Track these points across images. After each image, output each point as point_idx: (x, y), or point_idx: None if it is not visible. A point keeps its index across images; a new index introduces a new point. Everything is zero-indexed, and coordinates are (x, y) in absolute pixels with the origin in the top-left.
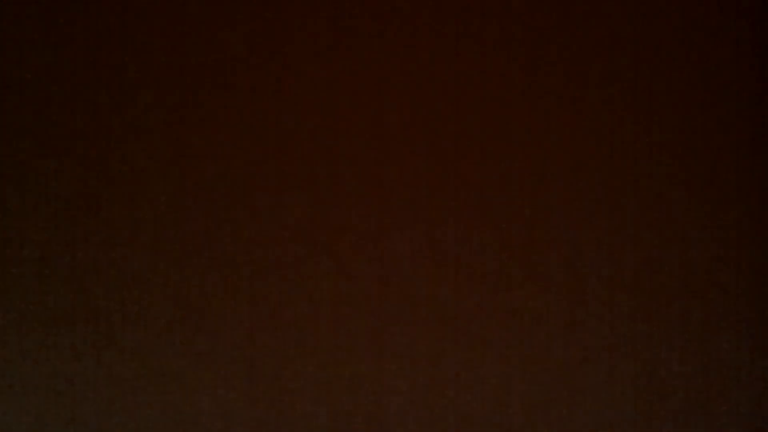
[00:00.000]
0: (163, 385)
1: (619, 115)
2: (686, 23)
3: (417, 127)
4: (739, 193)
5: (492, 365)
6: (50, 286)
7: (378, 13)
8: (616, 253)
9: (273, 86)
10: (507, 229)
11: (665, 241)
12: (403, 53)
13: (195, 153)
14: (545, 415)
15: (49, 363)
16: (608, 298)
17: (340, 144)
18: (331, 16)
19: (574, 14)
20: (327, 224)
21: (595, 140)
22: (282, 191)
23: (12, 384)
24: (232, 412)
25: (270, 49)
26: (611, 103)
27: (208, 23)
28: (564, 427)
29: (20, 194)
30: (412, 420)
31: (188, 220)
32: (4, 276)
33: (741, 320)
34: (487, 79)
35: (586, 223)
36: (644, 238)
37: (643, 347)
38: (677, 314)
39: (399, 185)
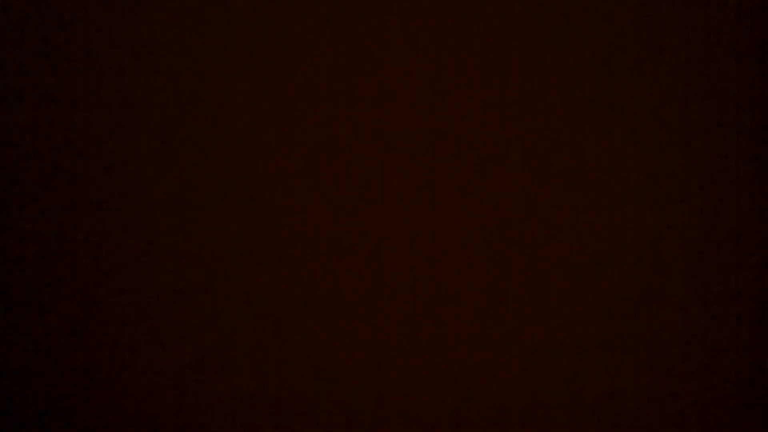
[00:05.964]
0: (163, 383)
1: (619, 116)
2: (686, 23)
3: (416, 126)
4: (739, 193)
5: (491, 365)
6: (50, 286)
7: (378, 13)
8: (616, 253)
9: (273, 86)
10: (506, 229)
11: (665, 241)
12: (403, 53)
13: (195, 152)
14: (545, 413)
15: (48, 362)
16: (608, 297)
17: (339, 142)
18: (331, 15)
19: (574, 14)
20: (326, 222)
21: (594, 140)
22: (281, 189)
23: (12, 383)
24: (233, 409)
25: (270, 49)
26: (611, 103)
27: (207, 23)
28: (563, 425)
29: (20, 194)
30: (412, 419)
31: (188, 218)
32: (4, 276)
33: (741, 320)
34: (488, 78)
35: (586, 221)
36: (644, 238)
37: (643, 347)
38: (677, 314)
39: (398, 182)
